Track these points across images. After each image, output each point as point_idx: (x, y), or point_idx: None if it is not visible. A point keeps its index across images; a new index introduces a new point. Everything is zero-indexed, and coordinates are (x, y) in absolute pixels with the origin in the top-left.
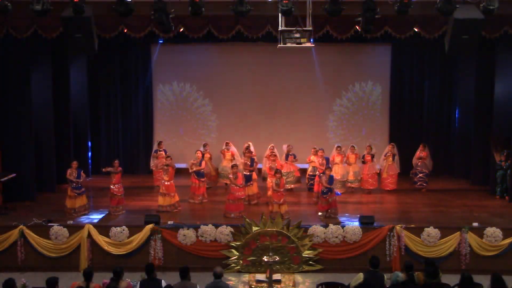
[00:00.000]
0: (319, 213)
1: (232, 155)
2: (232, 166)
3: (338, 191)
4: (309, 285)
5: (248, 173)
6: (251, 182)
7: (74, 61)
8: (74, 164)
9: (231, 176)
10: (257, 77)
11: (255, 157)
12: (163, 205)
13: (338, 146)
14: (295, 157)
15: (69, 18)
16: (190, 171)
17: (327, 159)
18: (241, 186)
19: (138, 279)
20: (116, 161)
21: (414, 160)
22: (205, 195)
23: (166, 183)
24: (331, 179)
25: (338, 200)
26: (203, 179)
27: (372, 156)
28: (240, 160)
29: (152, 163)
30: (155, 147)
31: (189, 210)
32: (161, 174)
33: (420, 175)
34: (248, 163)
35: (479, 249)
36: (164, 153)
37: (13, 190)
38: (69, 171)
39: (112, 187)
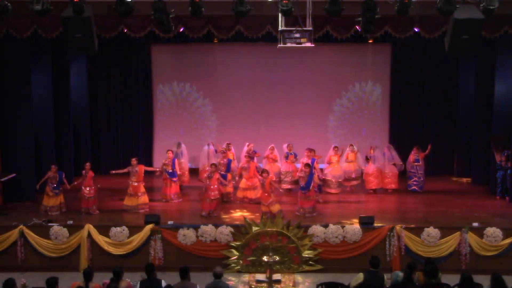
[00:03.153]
0: (297, 208)
1: (233, 156)
2: (211, 165)
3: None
4: (309, 285)
5: (223, 173)
6: (226, 182)
7: (74, 61)
8: (53, 168)
9: (206, 175)
10: (257, 77)
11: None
12: (128, 205)
13: (335, 146)
14: (295, 156)
15: (69, 18)
16: (160, 169)
17: (313, 160)
18: (214, 186)
19: (138, 279)
20: (88, 164)
21: (408, 164)
22: (180, 195)
23: (134, 184)
24: (310, 177)
25: (338, 199)
26: (174, 179)
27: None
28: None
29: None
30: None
31: (189, 209)
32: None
33: (415, 178)
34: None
35: (479, 249)
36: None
37: (13, 190)
38: (49, 173)
39: (83, 188)
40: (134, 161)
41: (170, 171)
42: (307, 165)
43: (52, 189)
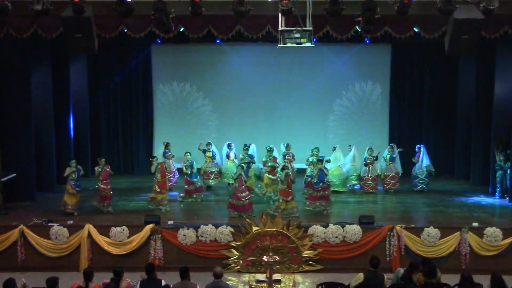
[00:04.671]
0: (307, 203)
1: (234, 155)
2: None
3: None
4: (309, 285)
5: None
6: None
7: (74, 61)
8: (73, 163)
9: (233, 177)
10: (257, 77)
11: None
12: (154, 199)
13: (334, 147)
14: (293, 156)
15: (69, 18)
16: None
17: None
18: (242, 188)
19: (138, 279)
20: (103, 159)
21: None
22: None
23: (160, 180)
24: (321, 172)
25: (338, 199)
26: (195, 179)
27: (374, 158)
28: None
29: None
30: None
31: (189, 210)
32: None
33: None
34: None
35: (479, 249)
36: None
37: (13, 190)
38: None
39: (100, 184)
40: (155, 159)
41: (189, 173)
42: (319, 160)
43: (74, 186)
